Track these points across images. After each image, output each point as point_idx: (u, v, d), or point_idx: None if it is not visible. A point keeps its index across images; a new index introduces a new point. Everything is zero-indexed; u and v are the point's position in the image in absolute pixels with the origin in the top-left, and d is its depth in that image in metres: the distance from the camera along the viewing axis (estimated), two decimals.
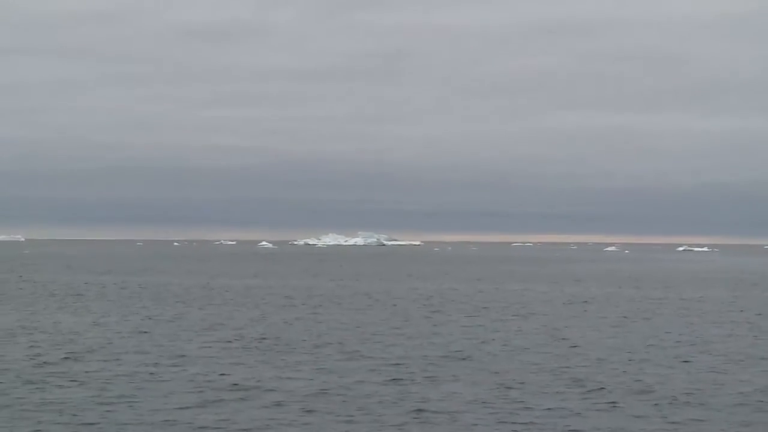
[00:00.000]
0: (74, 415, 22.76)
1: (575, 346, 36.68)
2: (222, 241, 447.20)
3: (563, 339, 39.37)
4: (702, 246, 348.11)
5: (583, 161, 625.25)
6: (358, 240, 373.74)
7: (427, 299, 63.65)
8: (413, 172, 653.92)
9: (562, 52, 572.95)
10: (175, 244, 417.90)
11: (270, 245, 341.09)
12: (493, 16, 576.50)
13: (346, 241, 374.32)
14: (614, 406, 24.46)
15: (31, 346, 35.19)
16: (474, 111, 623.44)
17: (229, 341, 37.27)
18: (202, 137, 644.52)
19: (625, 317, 50.55)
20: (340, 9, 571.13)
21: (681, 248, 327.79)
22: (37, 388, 26.14)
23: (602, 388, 27.00)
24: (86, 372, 28.93)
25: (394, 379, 28.02)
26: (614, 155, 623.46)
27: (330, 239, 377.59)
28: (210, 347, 35.28)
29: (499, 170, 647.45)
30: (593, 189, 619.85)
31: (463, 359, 32.72)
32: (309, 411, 23.41)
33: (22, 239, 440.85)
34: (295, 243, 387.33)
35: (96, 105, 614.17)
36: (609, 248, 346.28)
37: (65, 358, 32.08)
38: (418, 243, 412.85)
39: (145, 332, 40.48)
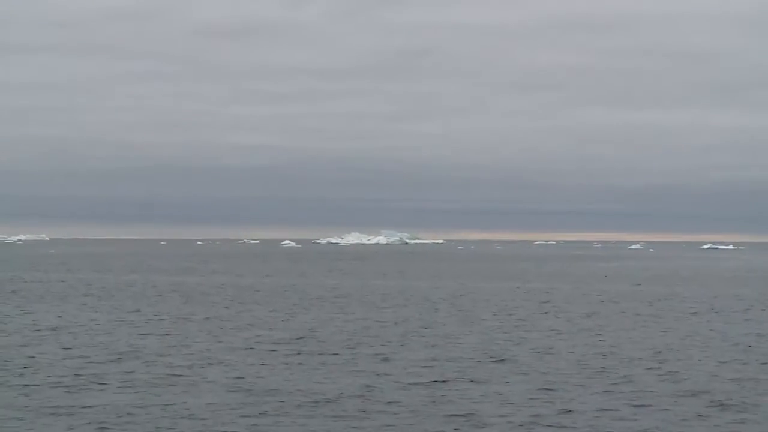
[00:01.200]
0: (109, 418, 22.51)
1: (615, 346, 36.25)
2: (245, 240, 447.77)
3: (603, 339, 38.93)
4: (727, 244, 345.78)
5: (605, 158, 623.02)
6: (381, 239, 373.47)
7: (458, 298, 63.24)
8: (435, 170, 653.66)
9: (585, 49, 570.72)
10: (198, 243, 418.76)
11: (293, 244, 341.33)
12: (516, 12, 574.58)
13: (369, 239, 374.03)
14: (656, 408, 24.03)
15: (67, 349, 35.01)
16: (497, 108, 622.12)
17: (264, 342, 36.99)
18: (225, 135, 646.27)
19: (661, 317, 50.08)
20: (363, 7, 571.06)
21: (706, 246, 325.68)
22: (75, 390, 25.92)
23: (640, 387, 26.59)
24: (123, 374, 28.70)
25: (434, 381, 27.58)
26: (637, 152, 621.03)
27: (353, 238, 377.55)
28: (245, 348, 35.00)
29: (522, 168, 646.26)
30: (616, 186, 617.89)
31: (502, 360, 32.29)
32: (347, 415, 22.97)
33: (46, 238, 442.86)
34: (318, 242, 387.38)
35: (120, 104, 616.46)
36: (633, 246, 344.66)
37: (104, 360, 31.89)
38: (440, 241, 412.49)
39: (180, 333, 40.28)
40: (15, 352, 33.39)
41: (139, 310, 51.54)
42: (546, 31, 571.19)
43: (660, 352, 34.76)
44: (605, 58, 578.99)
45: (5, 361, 31.03)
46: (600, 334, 40.66)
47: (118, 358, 31.85)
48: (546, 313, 51.91)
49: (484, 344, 36.68)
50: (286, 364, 30.91)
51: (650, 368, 30.49)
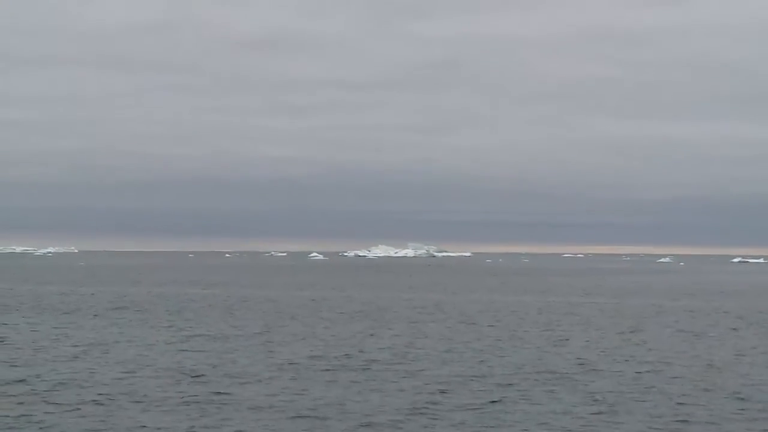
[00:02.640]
0: None
1: (663, 362, 35.43)
2: (272, 253, 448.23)
3: (649, 355, 38.06)
4: (757, 257, 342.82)
5: (633, 171, 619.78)
6: (408, 251, 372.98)
7: (496, 312, 62.38)
8: (462, 183, 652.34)
9: (612, 61, 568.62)
10: (227, 255, 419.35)
11: (321, 257, 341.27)
12: (543, 25, 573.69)
13: (396, 252, 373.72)
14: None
15: (120, 365, 34.52)
16: (525, 120, 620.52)
17: (310, 359, 36.34)
18: (252, 148, 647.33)
19: (706, 332, 49.12)
20: (391, 19, 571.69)
21: (736, 259, 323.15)
22: (114, 410, 25.39)
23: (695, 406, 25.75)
24: (162, 393, 28.14)
25: (491, 402, 26.76)
26: (665, 165, 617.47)
27: (380, 251, 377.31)
28: (290, 365, 34.37)
29: (549, 180, 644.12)
30: (644, 199, 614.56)
31: (555, 377, 31.49)
32: None
33: (75, 250, 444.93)
34: (346, 254, 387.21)
35: (146, 116, 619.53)
36: (662, 259, 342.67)
37: (148, 378, 31.35)
38: (468, 254, 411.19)
39: (220, 350, 39.69)
40: (52, 368, 32.92)
41: (174, 325, 51.05)
42: (572, 43, 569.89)
43: (711, 367, 33.91)
44: (632, 70, 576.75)
45: (40, 377, 30.54)
46: (648, 350, 39.78)
47: (165, 376, 31.31)
48: (589, 326, 51.03)
49: (530, 361, 35.88)
50: (333, 381, 30.22)
51: (706, 388, 29.65)
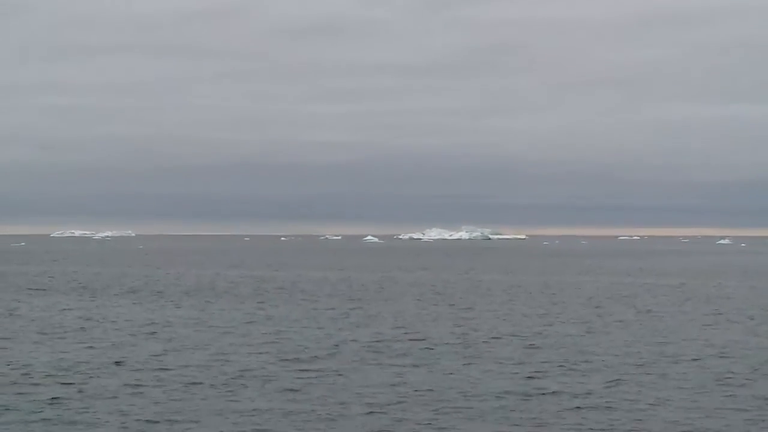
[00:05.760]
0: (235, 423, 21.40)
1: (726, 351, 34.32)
2: (327, 236, 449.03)
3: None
4: None
5: (691, 153, 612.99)
6: (463, 234, 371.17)
7: (576, 293, 61.37)
8: (517, 166, 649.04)
9: (670, 44, 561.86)
10: (282, 239, 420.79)
11: (376, 239, 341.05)
12: (599, 8, 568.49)
13: (450, 235, 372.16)
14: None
15: (203, 348, 34.12)
16: (581, 104, 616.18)
17: (377, 341, 35.71)
18: (307, 133, 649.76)
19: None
20: (444, 4, 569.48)
21: None
22: (227, 391, 24.91)
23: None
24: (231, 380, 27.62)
25: (578, 398, 25.91)
26: (723, 146, 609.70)
27: (434, 234, 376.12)
28: (361, 349, 33.75)
29: (605, 163, 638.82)
30: (700, 181, 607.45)
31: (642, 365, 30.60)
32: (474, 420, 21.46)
33: (132, 234, 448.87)
34: (400, 237, 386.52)
35: (201, 102, 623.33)
36: (722, 241, 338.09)
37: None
38: (522, 237, 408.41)
39: (314, 333, 39.18)
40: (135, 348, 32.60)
41: (244, 308, 50.72)
42: (631, 26, 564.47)
43: None
44: (691, 52, 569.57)
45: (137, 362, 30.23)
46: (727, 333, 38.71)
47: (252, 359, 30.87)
48: (677, 311, 49.97)
49: (622, 347, 35.01)
50: (424, 364, 29.55)
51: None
